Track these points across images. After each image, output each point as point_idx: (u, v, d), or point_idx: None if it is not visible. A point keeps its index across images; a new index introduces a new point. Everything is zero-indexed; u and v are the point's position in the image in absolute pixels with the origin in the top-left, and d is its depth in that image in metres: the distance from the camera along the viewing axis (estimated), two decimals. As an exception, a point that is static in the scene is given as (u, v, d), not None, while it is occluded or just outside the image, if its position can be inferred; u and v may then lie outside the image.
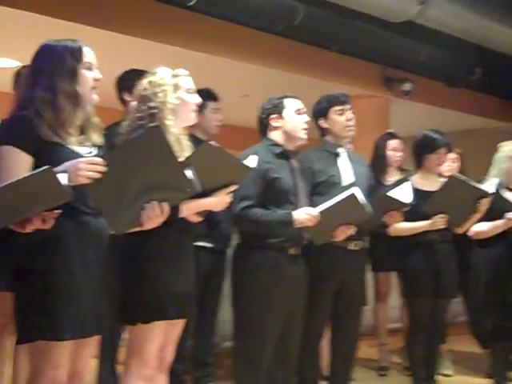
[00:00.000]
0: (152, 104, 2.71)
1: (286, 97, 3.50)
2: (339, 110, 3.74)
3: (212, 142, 2.79)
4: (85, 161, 2.25)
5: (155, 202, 2.46)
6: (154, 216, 2.48)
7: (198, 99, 2.86)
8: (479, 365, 5.08)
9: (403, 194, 3.86)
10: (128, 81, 3.67)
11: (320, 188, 3.59)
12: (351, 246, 3.67)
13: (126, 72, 3.83)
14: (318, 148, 3.79)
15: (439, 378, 4.42)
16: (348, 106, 3.77)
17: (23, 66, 3.32)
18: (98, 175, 2.24)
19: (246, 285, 3.32)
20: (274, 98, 3.52)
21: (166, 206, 2.50)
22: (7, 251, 2.49)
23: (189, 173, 2.55)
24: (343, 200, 3.32)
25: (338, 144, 3.78)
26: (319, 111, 3.78)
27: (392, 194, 3.83)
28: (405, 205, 3.87)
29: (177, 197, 2.55)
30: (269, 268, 3.29)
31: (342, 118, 3.74)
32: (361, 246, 3.76)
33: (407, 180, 3.98)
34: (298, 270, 3.41)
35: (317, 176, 3.63)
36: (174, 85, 2.77)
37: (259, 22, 5.95)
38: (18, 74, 3.39)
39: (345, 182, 3.67)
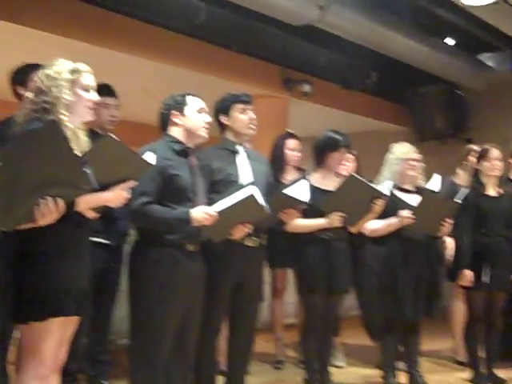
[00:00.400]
0: (46, 98, 2.66)
1: (188, 94, 3.52)
2: (241, 109, 3.79)
3: (112, 136, 2.76)
4: None
5: (50, 198, 2.42)
6: (48, 212, 2.43)
7: (95, 97, 2.82)
8: (370, 357, 5.26)
9: (300, 192, 3.94)
10: (22, 74, 3.58)
11: (218, 186, 3.61)
12: (249, 243, 3.72)
13: (21, 66, 3.73)
14: (217, 146, 3.82)
15: (332, 369, 4.55)
16: (250, 106, 3.83)
17: None
18: None
19: (143, 281, 3.30)
20: (176, 94, 3.52)
21: (61, 203, 2.46)
22: None
23: (86, 169, 2.52)
24: (242, 201, 3.36)
25: (237, 142, 3.83)
26: (221, 108, 3.82)
27: (289, 192, 3.91)
28: (301, 203, 3.96)
29: (72, 193, 2.51)
30: (167, 265, 3.29)
31: (243, 117, 3.79)
32: (258, 243, 3.81)
33: (304, 179, 4.07)
34: (197, 267, 3.42)
35: (215, 174, 3.66)
36: (72, 80, 2.72)
37: (161, 19, 5.91)
38: None
39: (243, 180, 3.70)
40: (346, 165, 5.10)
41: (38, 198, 2.39)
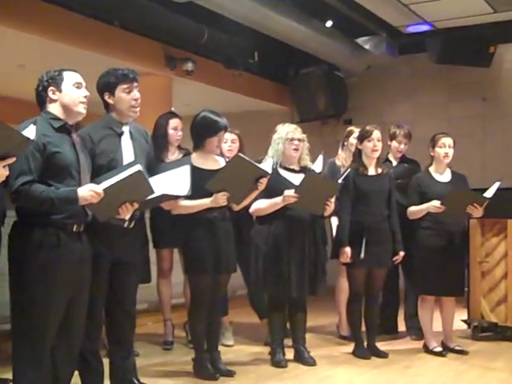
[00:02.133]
0: None
1: (64, 70, 3.37)
2: (127, 88, 3.67)
3: None
4: None
5: None
6: None
7: None
8: (258, 335, 5.34)
9: (181, 180, 3.85)
10: None
11: (100, 171, 3.48)
12: (126, 224, 3.63)
13: None
14: (102, 124, 3.68)
15: (221, 348, 4.58)
16: (136, 84, 3.71)
17: None
18: None
19: (25, 264, 3.15)
20: (52, 70, 3.37)
21: None
22: None
23: None
24: (129, 177, 3.27)
25: (121, 122, 3.72)
26: (105, 85, 3.69)
27: (170, 181, 3.79)
28: (181, 197, 3.90)
29: None
30: (50, 246, 3.16)
31: (128, 97, 3.68)
32: (135, 224, 3.71)
33: (186, 164, 3.94)
34: (82, 248, 3.30)
35: (98, 158, 3.55)
36: None
37: (41, -10, 5.68)
38: None
39: (125, 162, 3.59)
40: (230, 145, 5.12)
41: None
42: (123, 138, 3.71)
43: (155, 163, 3.99)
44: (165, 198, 3.78)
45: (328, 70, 8.90)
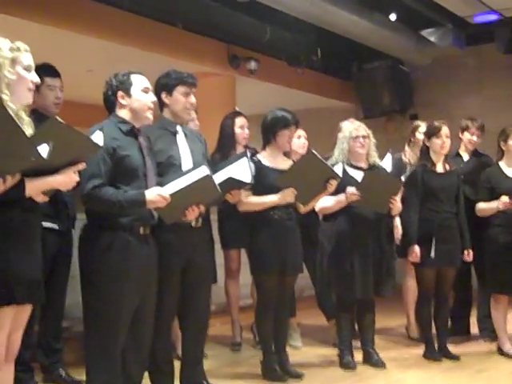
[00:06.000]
0: None
1: (131, 73, 3.41)
2: (184, 91, 3.69)
3: (58, 118, 2.67)
4: None
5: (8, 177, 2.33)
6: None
7: (35, 78, 2.72)
8: (326, 336, 5.28)
9: (242, 171, 3.86)
10: None
11: (159, 169, 3.52)
12: (193, 223, 3.63)
13: None
14: (157, 126, 3.68)
15: (289, 350, 4.55)
16: (194, 90, 3.73)
17: None
18: None
19: (96, 266, 3.21)
20: (120, 73, 3.41)
21: (9, 176, 2.37)
22: None
23: (44, 147, 2.42)
24: (196, 181, 3.30)
25: (176, 122, 3.73)
26: (164, 85, 3.71)
27: (234, 174, 3.82)
28: (245, 184, 3.90)
29: (19, 165, 2.39)
30: (119, 249, 3.21)
31: (184, 99, 3.69)
32: (201, 223, 3.71)
33: (244, 156, 3.97)
34: (149, 250, 3.35)
35: (156, 156, 3.56)
36: (12, 59, 2.62)
37: (104, -5, 5.78)
38: None
39: (184, 162, 3.64)
40: (302, 142, 5.10)
41: None
42: (178, 136, 3.73)
43: (213, 163, 4.00)
44: (230, 184, 3.77)
45: (392, 64, 8.76)
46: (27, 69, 2.68)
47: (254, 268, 4.32)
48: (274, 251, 4.16)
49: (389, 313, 5.97)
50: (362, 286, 4.45)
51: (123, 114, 3.36)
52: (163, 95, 3.70)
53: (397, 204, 4.48)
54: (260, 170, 4.15)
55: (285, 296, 4.34)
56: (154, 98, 3.42)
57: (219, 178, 3.67)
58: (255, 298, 4.57)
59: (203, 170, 3.34)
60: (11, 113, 2.45)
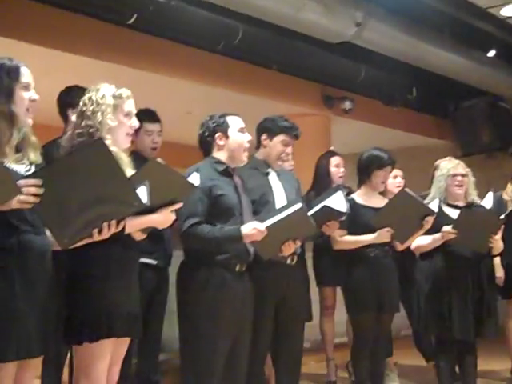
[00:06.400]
0: (90, 122, 2.69)
1: (227, 115, 3.50)
2: (284, 141, 3.75)
3: (159, 159, 2.78)
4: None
5: (113, 221, 2.42)
6: (103, 229, 2.44)
7: (135, 123, 2.84)
8: (425, 378, 5.13)
9: (338, 203, 3.88)
10: (71, 97, 3.60)
11: (254, 207, 3.56)
12: (289, 261, 3.65)
13: (69, 88, 3.76)
14: (249, 166, 3.70)
15: (385, 391, 4.47)
16: (293, 142, 3.78)
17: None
18: (33, 199, 2.18)
19: (192, 303, 3.28)
20: (216, 115, 3.51)
21: (114, 221, 2.46)
22: None
23: (143, 188, 2.53)
24: (291, 215, 3.33)
25: (267, 164, 3.79)
26: (267, 129, 3.78)
27: (330, 203, 3.84)
28: (342, 214, 3.90)
29: (123, 210, 2.50)
30: (215, 285, 3.27)
31: (282, 148, 3.74)
32: (296, 260, 3.73)
33: (339, 190, 3.98)
34: (245, 287, 3.39)
35: (249, 194, 3.61)
36: (114, 105, 2.75)
37: (199, 40, 5.95)
38: None
39: (277, 200, 3.67)
40: (398, 181, 5.06)
41: (90, 215, 2.39)
42: (270, 176, 3.77)
43: (308, 201, 4.02)
44: (326, 214, 3.78)
45: (492, 100, 8.55)
46: (127, 115, 2.80)
47: (349, 306, 4.29)
48: (370, 289, 4.12)
49: (492, 355, 5.73)
50: (460, 326, 4.30)
51: (220, 154, 3.45)
52: (263, 137, 3.77)
53: (497, 243, 4.34)
54: (354, 208, 4.15)
55: (381, 335, 4.27)
56: (250, 137, 3.50)
57: (314, 209, 3.70)
58: (351, 336, 4.53)
59: (298, 205, 3.37)
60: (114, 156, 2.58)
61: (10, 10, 4.98)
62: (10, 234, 2.31)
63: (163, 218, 2.73)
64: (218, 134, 3.44)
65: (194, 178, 3.27)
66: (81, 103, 2.77)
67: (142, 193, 2.54)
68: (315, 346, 5.49)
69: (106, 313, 2.61)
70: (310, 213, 3.56)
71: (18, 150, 2.44)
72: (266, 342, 3.68)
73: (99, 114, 2.70)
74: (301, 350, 3.84)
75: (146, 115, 3.95)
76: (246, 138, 3.46)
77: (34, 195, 2.19)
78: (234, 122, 3.47)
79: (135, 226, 2.67)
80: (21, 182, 2.17)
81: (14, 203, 2.17)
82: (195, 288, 3.29)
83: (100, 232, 2.43)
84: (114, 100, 2.75)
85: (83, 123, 2.70)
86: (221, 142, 3.44)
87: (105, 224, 2.42)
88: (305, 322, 3.95)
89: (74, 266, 2.62)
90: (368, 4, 6.01)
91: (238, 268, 3.36)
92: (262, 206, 3.59)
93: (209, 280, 3.28)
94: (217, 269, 3.30)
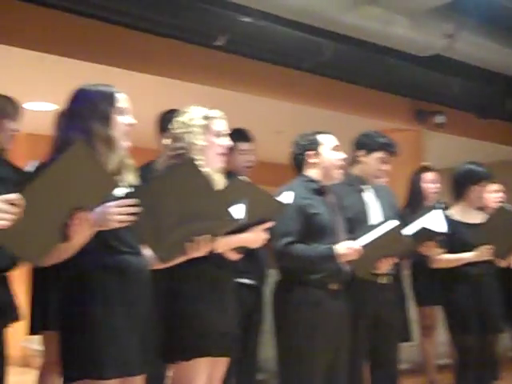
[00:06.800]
0: (181, 144, 2.74)
1: (319, 133, 3.47)
2: (382, 158, 3.67)
3: (243, 178, 2.78)
4: (114, 205, 2.21)
5: (208, 236, 2.43)
6: (199, 246, 2.44)
7: (227, 143, 2.85)
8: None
9: (435, 223, 3.77)
10: (167, 120, 3.66)
11: (348, 225, 3.50)
12: (382, 280, 3.57)
13: (167, 112, 3.83)
14: (344, 182, 3.66)
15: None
16: (391, 158, 3.70)
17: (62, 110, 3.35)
18: (130, 218, 2.21)
19: (288, 321, 3.27)
20: (308, 133, 3.48)
21: (208, 238, 2.46)
22: (57, 290, 2.46)
23: (241, 206, 2.53)
24: (386, 233, 3.28)
25: (363, 180, 3.72)
26: (365, 145, 3.71)
27: (427, 225, 3.74)
28: (440, 235, 3.79)
29: (217, 226, 2.49)
30: (311, 304, 3.25)
31: (379, 165, 3.67)
32: (391, 280, 3.64)
33: (435, 208, 3.89)
34: (340, 306, 3.34)
35: (345, 212, 3.55)
36: (204, 126, 2.78)
37: (287, 59, 5.97)
38: (57, 117, 3.41)
39: (372, 218, 3.60)
40: (498, 196, 4.88)
41: (185, 231, 2.40)
42: (365, 194, 3.70)
43: (403, 218, 3.92)
44: (424, 235, 3.70)
45: None
46: (217, 135, 2.82)
47: (451, 326, 4.16)
48: (472, 308, 4.00)
49: None
50: None
51: (312, 172, 3.42)
52: (360, 153, 3.71)
53: None
54: (452, 225, 4.01)
55: (486, 356, 4.10)
56: (344, 156, 3.45)
57: (411, 229, 3.60)
58: (454, 358, 4.36)
59: (393, 222, 3.30)
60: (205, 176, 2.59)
61: (109, 40, 5.17)
62: (109, 254, 2.35)
63: (255, 237, 2.74)
64: (309, 152, 3.41)
65: (288, 197, 3.25)
66: (171, 127, 2.82)
67: (240, 210, 2.53)
68: (416, 367, 5.33)
69: (199, 332, 2.63)
70: (407, 233, 3.46)
71: (116, 173, 2.48)
72: (361, 363, 3.60)
73: (189, 135, 2.74)
74: (396, 370, 3.73)
75: (239, 135, 3.97)
76: (339, 157, 3.41)
77: (132, 214, 2.22)
78: (327, 140, 3.44)
79: (227, 245, 2.68)
80: (118, 202, 2.21)
81: (113, 223, 2.20)
82: (291, 308, 3.27)
83: (195, 248, 2.43)
84: (204, 121, 2.79)
85: (174, 145, 2.75)
86: (312, 160, 3.41)
87: (199, 239, 2.42)
88: (402, 342, 3.85)
89: (169, 285, 2.65)
90: (458, 15, 5.88)
91: (332, 287, 3.31)
92: (356, 224, 3.52)
93: (304, 299, 3.25)
94: (312, 288, 3.27)
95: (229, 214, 2.46)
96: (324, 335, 3.22)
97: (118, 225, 2.21)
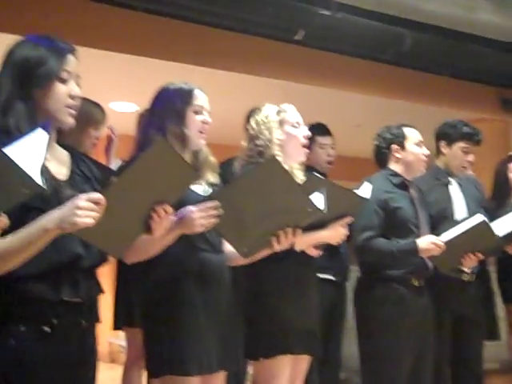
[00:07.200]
0: (259, 142, 2.74)
1: (404, 126, 3.41)
2: (465, 148, 3.58)
3: (317, 175, 2.76)
4: (197, 210, 2.22)
5: (289, 229, 2.41)
6: (283, 240, 2.41)
7: (306, 131, 2.83)
8: None
9: None
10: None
11: (432, 221, 3.43)
12: (465, 277, 3.48)
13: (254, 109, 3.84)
14: (429, 175, 3.59)
15: None
16: (475, 148, 3.60)
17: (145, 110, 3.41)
18: (214, 220, 2.22)
19: (371, 318, 3.24)
20: (392, 127, 3.43)
21: (298, 231, 2.44)
22: (141, 289, 2.50)
23: (320, 196, 2.50)
24: (472, 228, 3.18)
25: (448, 173, 3.62)
26: (446, 135, 3.63)
27: None
28: None
29: (300, 218, 2.46)
30: (394, 301, 3.20)
31: (462, 156, 3.58)
32: (473, 278, 3.53)
33: None
34: (423, 302, 3.28)
35: (429, 208, 3.48)
36: (279, 121, 2.78)
37: (366, 51, 5.91)
38: (140, 117, 3.48)
39: (457, 213, 3.52)
40: None
41: (267, 225, 2.39)
42: (451, 187, 3.61)
43: (489, 212, 3.79)
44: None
45: None
46: (295, 125, 2.81)
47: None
48: None
49: None
50: None
51: (395, 167, 3.37)
52: (442, 144, 3.63)
53: None
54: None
55: None
56: (428, 152, 3.38)
57: (501, 227, 3.48)
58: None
59: (478, 217, 3.20)
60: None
61: (194, 39, 5.26)
62: (191, 253, 2.37)
63: (334, 233, 2.72)
64: (394, 146, 3.35)
65: (366, 189, 3.21)
66: (248, 127, 2.83)
67: (319, 200, 2.50)
68: (505, 366, 5.18)
69: (280, 329, 2.63)
70: (497, 233, 3.34)
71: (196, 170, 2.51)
72: (445, 361, 3.51)
73: (266, 131, 2.74)
74: (481, 369, 3.63)
75: (318, 129, 3.94)
76: (423, 152, 3.34)
77: (214, 216, 2.23)
78: (412, 134, 3.39)
79: (306, 242, 2.67)
80: (201, 206, 2.22)
81: (198, 228, 2.22)
82: (373, 304, 3.23)
83: (278, 241, 2.41)
84: (278, 116, 2.79)
85: (252, 145, 2.76)
86: (397, 154, 3.35)
87: (281, 232, 2.40)
88: (490, 341, 3.74)
89: (250, 282, 2.68)
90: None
91: (415, 283, 3.25)
92: (441, 219, 3.45)
93: (387, 295, 3.21)
94: (394, 284, 3.22)
95: (312, 204, 2.43)
96: (408, 333, 3.17)
97: (202, 229, 2.22)
